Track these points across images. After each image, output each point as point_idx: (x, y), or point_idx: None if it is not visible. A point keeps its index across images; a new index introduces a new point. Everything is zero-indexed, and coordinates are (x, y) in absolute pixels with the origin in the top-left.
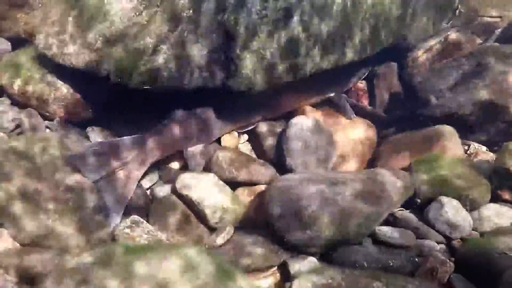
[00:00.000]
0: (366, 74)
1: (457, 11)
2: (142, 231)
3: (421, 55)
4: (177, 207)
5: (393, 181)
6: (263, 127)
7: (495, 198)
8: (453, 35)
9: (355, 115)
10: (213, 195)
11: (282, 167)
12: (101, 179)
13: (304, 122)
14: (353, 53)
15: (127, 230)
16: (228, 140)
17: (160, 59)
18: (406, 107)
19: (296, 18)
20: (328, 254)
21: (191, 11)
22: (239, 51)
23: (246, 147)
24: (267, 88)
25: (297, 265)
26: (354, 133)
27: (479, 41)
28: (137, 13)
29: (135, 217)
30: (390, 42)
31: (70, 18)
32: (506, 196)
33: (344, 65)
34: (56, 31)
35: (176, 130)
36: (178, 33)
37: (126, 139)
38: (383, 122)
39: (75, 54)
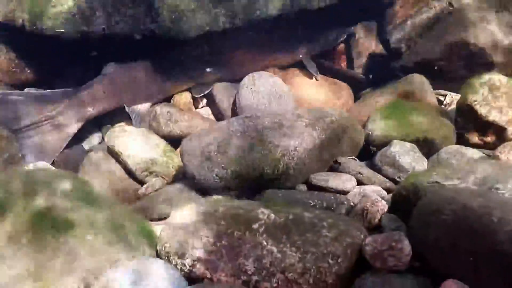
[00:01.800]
0: (344, 36)
1: None
2: None
3: (399, 9)
4: (104, 160)
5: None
6: (219, 88)
7: (463, 143)
8: None
9: (318, 75)
10: (139, 147)
11: None
12: (24, 129)
13: (258, 79)
14: None
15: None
16: (179, 100)
17: (70, 1)
18: (384, 65)
19: None
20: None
21: None
22: None
23: (205, 111)
24: (199, 36)
25: None
26: (319, 94)
27: None
28: None
29: (42, 162)
30: None
31: None
32: (475, 139)
33: (315, 26)
34: None
35: (108, 84)
36: None
37: (54, 91)
38: (361, 83)
39: None
